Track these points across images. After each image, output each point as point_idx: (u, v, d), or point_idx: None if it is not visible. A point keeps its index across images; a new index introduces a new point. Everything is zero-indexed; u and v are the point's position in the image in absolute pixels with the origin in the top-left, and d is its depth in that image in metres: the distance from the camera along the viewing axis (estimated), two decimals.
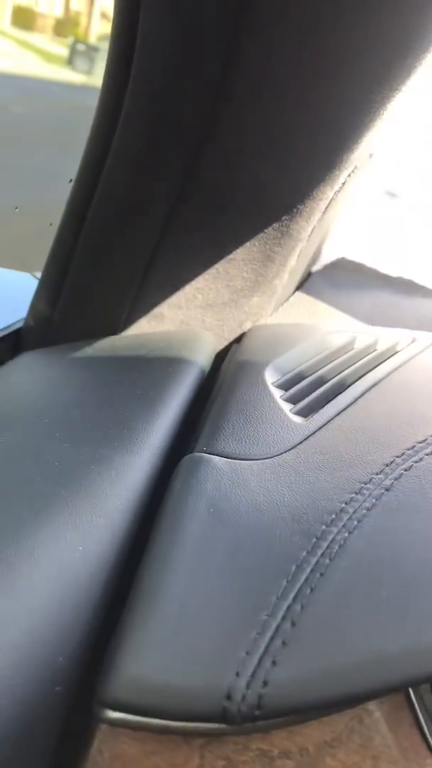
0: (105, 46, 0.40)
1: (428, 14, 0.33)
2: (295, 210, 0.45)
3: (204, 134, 0.40)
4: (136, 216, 0.45)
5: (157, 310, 0.51)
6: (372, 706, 0.29)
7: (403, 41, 0.34)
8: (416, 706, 0.29)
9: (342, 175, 0.43)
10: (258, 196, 0.44)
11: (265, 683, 0.25)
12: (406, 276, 0.75)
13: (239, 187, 0.44)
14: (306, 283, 0.64)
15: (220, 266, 0.49)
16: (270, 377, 0.44)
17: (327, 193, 0.44)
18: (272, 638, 0.26)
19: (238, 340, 0.54)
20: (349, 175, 0.46)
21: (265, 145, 0.40)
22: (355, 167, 0.46)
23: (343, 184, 0.46)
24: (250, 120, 0.39)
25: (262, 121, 0.39)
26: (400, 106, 0.42)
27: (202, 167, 0.42)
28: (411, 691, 0.29)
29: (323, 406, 0.40)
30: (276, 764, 0.28)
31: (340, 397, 0.41)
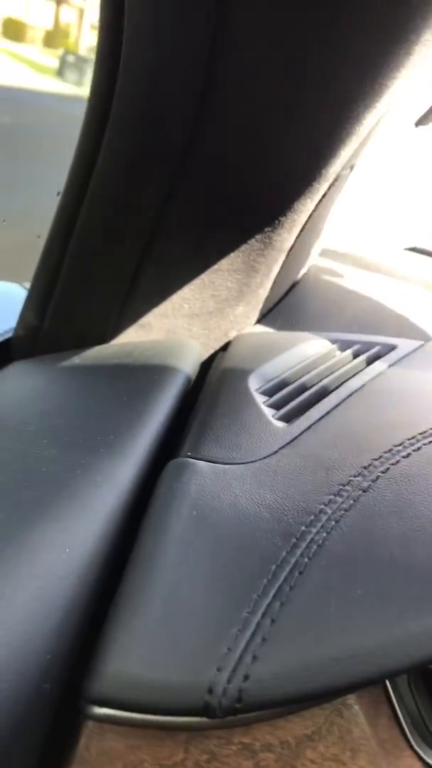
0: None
1: (396, 35, 0.34)
2: (276, 222, 0.46)
3: (187, 149, 0.42)
4: (123, 228, 0.46)
5: (144, 320, 0.52)
6: (351, 700, 0.30)
7: (372, 61, 0.35)
8: (394, 699, 0.30)
9: (321, 188, 0.44)
10: (240, 208, 0.46)
11: (246, 678, 0.26)
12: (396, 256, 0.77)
13: (222, 200, 0.45)
14: (292, 291, 0.66)
15: (205, 276, 0.50)
16: (254, 384, 0.45)
17: (307, 205, 0.45)
18: (253, 635, 0.27)
19: (224, 348, 0.55)
20: (330, 188, 0.47)
21: (245, 160, 0.42)
22: (336, 179, 0.47)
23: (324, 195, 0.47)
24: (229, 135, 0.40)
25: (241, 136, 0.40)
26: (381, 123, 0.43)
27: (185, 181, 0.44)
28: (389, 685, 0.31)
29: (305, 411, 0.41)
30: (258, 757, 0.29)
31: (321, 403, 0.42)
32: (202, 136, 0.41)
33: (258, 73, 0.37)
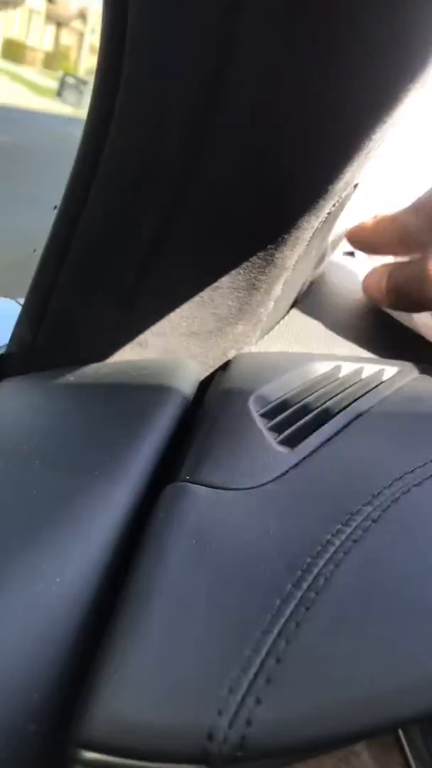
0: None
1: (399, 61, 0.33)
2: (280, 239, 0.45)
3: (189, 166, 0.41)
4: (121, 245, 0.45)
5: (141, 338, 0.51)
6: (359, 747, 0.28)
7: (387, 77, 0.34)
8: (405, 747, 0.28)
9: (327, 205, 0.43)
10: (243, 226, 0.44)
11: (249, 722, 0.24)
12: None
13: (225, 217, 0.44)
14: (293, 311, 0.64)
15: (205, 294, 0.49)
16: (255, 406, 0.43)
17: (312, 222, 0.44)
18: (256, 675, 0.25)
19: (223, 367, 0.53)
20: (334, 205, 0.46)
21: (248, 178, 0.41)
22: (341, 197, 0.46)
23: (329, 213, 0.46)
24: (234, 155, 0.39)
25: (247, 156, 0.39)
26: (388, 141, 0.42)
27: (187, 197, 0.42)
28: (400, 731, 0.29)
29: (308, 435, 0.39)
30: None
31: (325, 427, 0.40)
32: (203, 156, 0.40)
33: (268, 95, 0.36)
